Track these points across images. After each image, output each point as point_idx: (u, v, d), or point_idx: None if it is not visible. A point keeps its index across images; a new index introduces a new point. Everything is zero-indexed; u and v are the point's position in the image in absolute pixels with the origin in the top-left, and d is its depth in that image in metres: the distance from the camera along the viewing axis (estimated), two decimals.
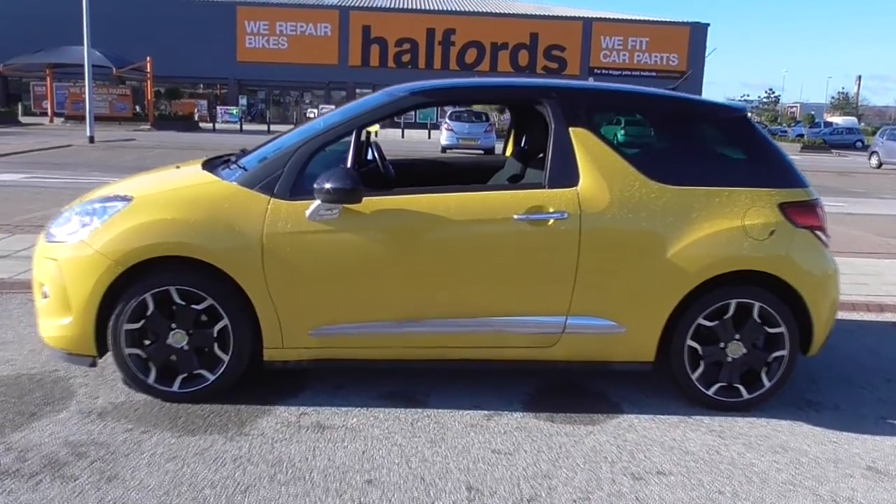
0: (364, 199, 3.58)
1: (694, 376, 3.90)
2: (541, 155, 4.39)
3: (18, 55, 36.88)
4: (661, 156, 4.02)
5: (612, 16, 51.77)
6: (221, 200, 3.65)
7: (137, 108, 39.60)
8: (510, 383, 4.16)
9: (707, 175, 3.91)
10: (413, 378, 4.13)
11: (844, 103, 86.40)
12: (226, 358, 3.66)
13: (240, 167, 3.92)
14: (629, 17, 51.74)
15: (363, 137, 4.45)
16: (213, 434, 3.37)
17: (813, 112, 70.09)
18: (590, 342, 3.85)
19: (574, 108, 3.88)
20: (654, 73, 48.58)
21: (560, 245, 3.71)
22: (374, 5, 50.22)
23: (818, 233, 3.98)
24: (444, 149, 24.91)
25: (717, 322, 3.86)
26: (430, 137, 33.64)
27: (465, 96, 4.62)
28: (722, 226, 3.80)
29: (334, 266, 3.62)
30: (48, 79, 38.55)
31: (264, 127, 36.76)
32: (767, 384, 3.93)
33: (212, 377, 3.68)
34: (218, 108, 43.32)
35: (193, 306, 3.61)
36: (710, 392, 3.92)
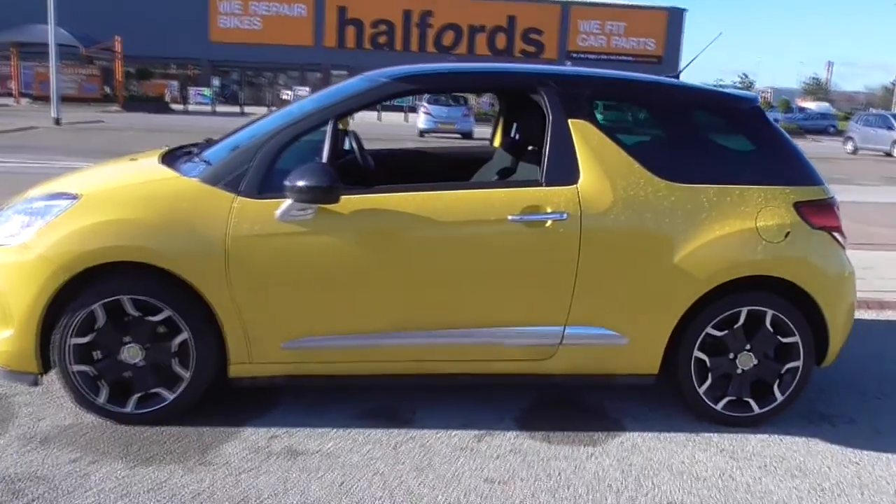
0: (342, 197, 3.20)
1: (701, 390, 3.59)
2: (531, 147, 4.04)
3: None
4: (669, 151, 3.67)
5: (589, 0, 51.37)
6: (180, 199, 3.25)
7: (107, 88, 38.57)
8: (501, 396, 3.81)
9: (717, 171, 3.58)
10: (396, 392, 3.77)
11: (816, 89, 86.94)
12: (186, 375, 3.28)
13: (203, 161, 3.52)
14: (607, 2, 51.31)
15: (340, 126, 4.07)
16: (170, 464, 2.99)
17: (786, 97, 70.33)
18: (589, 354, 3.52)
19: (574, 98, 3.52)
20: (630, 58, 48.34)
21: (558, 248, 3.36)
22: None
23: (835, 234, 3.68)
24: (421, 133, 24.63)
25: (726, 331, 3.55)
26: (407, 121, 33.13)
27: (454, 83, 4.25)
28: (734, 227, 3.48)
29: (309, 272, 3.24)
30: (13, 58, 37.34)
31: (238, 109, 36.01)
32: (780, 398, 3.63)
33: (171, 396, 3.29)
34: (190, 89, 42.32)
35: (149, 318, 3.21)
36: (719, 407, 3.61)
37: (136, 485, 2.82)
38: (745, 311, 3.53)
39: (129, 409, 3.28)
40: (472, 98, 28.79)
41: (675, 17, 49.58)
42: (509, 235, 3.33)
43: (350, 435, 3.33)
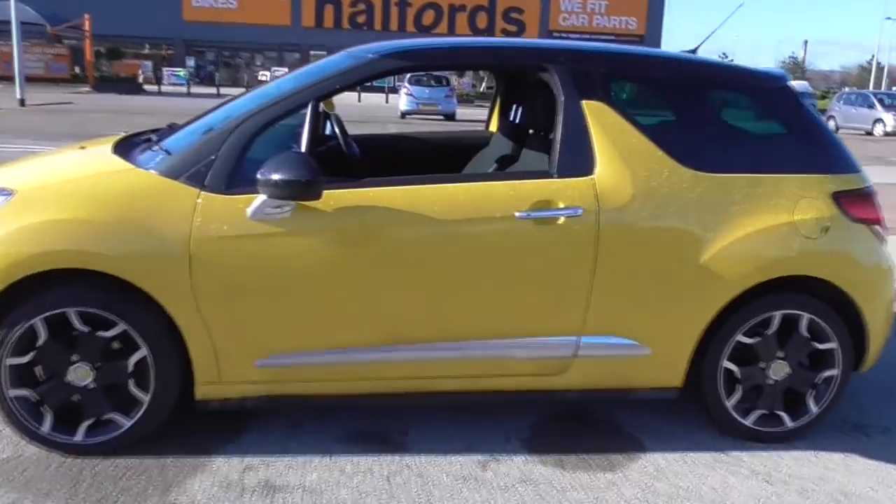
0: (324, 192, 2.76)
1: (730, 404, 3.21)
2: (531, 130, 3.62)
3: None
4: (694, 135, 3.25)
5: None
6: (136, 195, 2.79)
7: (77, 68, 37.41)
8: (503, 411, 3.40)
9: (748, 159, 3.19)
10: (386, 411, 3.34)
11: (794, 67, 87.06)
12: (145, 398, 2.83)
13: (162, 150, 3.05)
14: None
15: (324, 107, 3.61)
16: None
17: None
18: (607, 367, 3.12)
19: (588, 77, 3.08)
20: (612, 37, 47.84)
21: (572, 248, 2.94)
22: None
23: (876, 227, 3.30)
24: (403, 114, 24.11)
25: (757, 338, 3.17)
26: (388, 102, 32.43)
27: (450, 60, 3.78)
28: (768, 221, 3.08)
29: (286, 279, 2.80)
30: None
31: (214, 90, 35.10)
32: (815, 410, 3.26)
33: (127, 423, 2.85)
34: (164, 69, 41.22)
35: (101, 333, 2.76)
36: (748, 422, 3.24)
37: None
38: (778, 315, 3.15)
39: (78, 438, 2.82)
40: (453, 78, 28.27)
41: None
42: (516, 235, 2.91)
43: (336, 464, 2.90)
